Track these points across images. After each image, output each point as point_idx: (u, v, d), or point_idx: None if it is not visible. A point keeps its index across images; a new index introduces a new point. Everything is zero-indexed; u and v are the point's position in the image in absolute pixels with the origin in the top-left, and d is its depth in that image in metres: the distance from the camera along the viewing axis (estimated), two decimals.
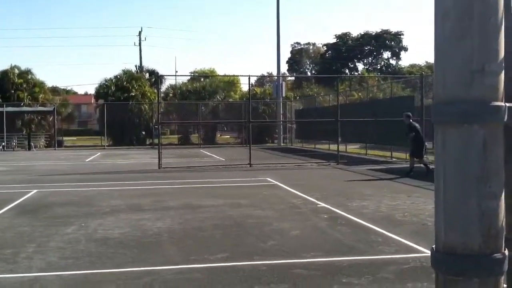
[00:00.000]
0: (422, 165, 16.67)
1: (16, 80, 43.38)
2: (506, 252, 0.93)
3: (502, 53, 0.95)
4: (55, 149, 38.68)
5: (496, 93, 0.93)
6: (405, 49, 79.35)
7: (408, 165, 17.05)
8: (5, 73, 43.50)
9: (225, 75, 56.14)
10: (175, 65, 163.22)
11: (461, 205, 0.94)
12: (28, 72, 45.10)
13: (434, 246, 0.96)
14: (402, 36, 78.76)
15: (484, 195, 0.92)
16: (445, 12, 0.95)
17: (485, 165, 0.92)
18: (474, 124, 0.92)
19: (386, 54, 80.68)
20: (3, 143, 38.15)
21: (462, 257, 0.92)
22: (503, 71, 0.95)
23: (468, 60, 0.92)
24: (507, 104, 0.95)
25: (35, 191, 13.37)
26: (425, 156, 16.81)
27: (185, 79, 58.34)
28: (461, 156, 0.93)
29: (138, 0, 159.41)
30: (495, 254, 0.92)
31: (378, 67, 79.79)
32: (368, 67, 79.63)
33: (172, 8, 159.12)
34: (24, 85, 43.79)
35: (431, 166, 15.46)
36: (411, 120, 16.65)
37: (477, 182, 0.92)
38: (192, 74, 65.61)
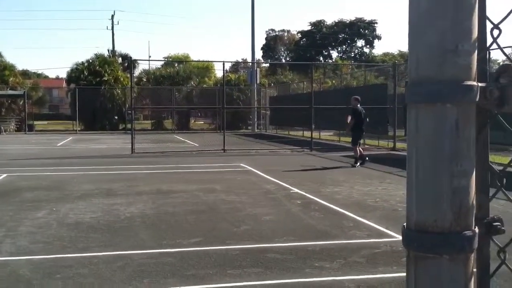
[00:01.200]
0: (353, 153, 16.09)
1: None
2: (476, 229, 0.95)
3: (475, 33, 0.95)
4: (25, 133, 38.06)
5: (469, 73, 0.94)
6: (379, 38, 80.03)
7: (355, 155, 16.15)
8: None
9: (199, 61, 55.86)
10: (148, 49, 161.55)
11: (433, 183, 0.95)
12: None
13: (405, 224, 0.97)
14: (375, 25, 79.37)
15: (456, 173, 0.93)
16: None
17: (457, 144, 0.93)
18: (447, 103, 0.93)
19: (360, 42, 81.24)
20: None
21: (433, 234, 0.93)
22: (476, 51, 0.96)
23: (441, 39, 0.93)
24: (479, 84, 0.96)
25: (4, 175, 13.14)
26: (359, 146, 16.13)
27: (158, 64, 57.86)
28: (433, 136, 0.94)
29: None
30: (466, 232, 0.93)
31: (352, 55, 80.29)
32: (342, 55, 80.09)
33: None
34: None
35: (357, 164, 15.39)
36: (358, 105, 15.99)
37: (449, 161, 0.93)
38: (166, 59, 65.03)
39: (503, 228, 1.04)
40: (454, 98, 0.89)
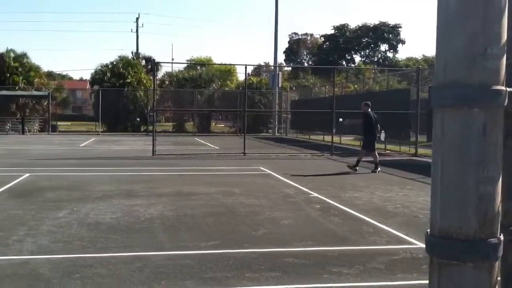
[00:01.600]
0: (372, 159, 15.58)
1: (12, 64, 43.09)
2: (502, 237, 0.92)
3: (504, 37, 0.93)
4: (49, 134, 38.55)
5: (497, 77, 0.92)
6: (403, 42, 79.43)
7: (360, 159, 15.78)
8: (0, 56, 43.20)
9: (221, 64, 56.01)
10: (171, 52, 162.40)
11: (458, 189, 0.92)
12: (23, 56, 44.80)
13: (428, 230, 0.94)
14: (400, 29, 78.79)
15: (482, 179, 0.91)
16: None
17: (484, 149, 0.91)
18: (474, 107, 0.90)
19: (384, 47, 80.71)
20: None
21: (458, 241, 0.91)
22: (505, 55, 0.94)
23: (471, 42, 0.90)
24: (508, 89, 0.93)
25: (27, 174, 13.31)
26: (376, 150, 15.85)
27: (181, 66, 58.28)
28: (460, 140, 0.92)
29: None
30: (491, 239, 0.91)
31: (375, 60, 79.81)
32: (365, 59, 79.64)
33: None
34: (20, 69, 43.50)
35: (378, 169, 15.08)
36: (369, 110, 15.71)
37: (475, 166, 0.91)
38: (189, 62, 65.39)
39: None
40: (482, 103, 0.87)
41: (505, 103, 0.92)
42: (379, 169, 15.18)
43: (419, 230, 7.57)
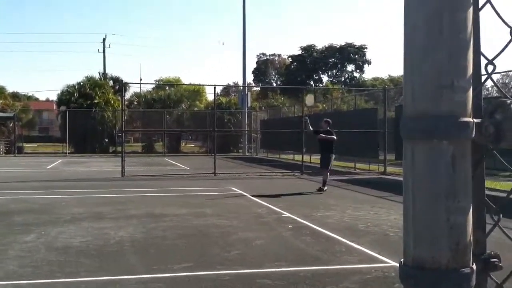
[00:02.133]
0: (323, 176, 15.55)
1: None
2: (474, 266, 0.94)
3: (470, 69, 0.96)
4: (15, 156, 37.79)
5: (464, 109, 0.95)
6: (369, 63, 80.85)
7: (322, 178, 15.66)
8: None
9: (190, 84, 55.96)
10: (139, 72, 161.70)
11: (430, 220, 0.94)
12: None
13: (402, 259, 0.96)
14: (365, 50, 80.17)
15: (453, 210, 0.93)
16: (414, 26, 0.96)
17: (454, 180, 0.93)
18: (443, 139, 0.93)
19: (350, 67, 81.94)
20: None
21: (431, 271, 0.93)
22: (471, 87, 0.97)
23: (437, 75, 0.93)
24: (475, 120, 0.96)
25: None
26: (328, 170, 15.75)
27: (149, 87, 57.97)
28: (430, 171, 0.94)
29: (102, 7, 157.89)
30: (463, 269, 0.93)
31: (342, 80, 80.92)
32: (333, 79, 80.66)
33: (137, 15, 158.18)
34: None
35: (325, 188, 15.05)
36: (328, 128, 15.74)
37: (445, 197, 0.93)
38: (157, 82, 65.14)
39: (500, 264, 1.04)
40: (450, 135, 0.89)
41: (473, 134, 0.95)
42: (325, 188, 15.18)
43: (390, 248, 7.64)
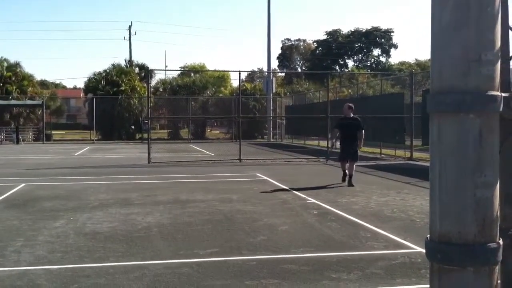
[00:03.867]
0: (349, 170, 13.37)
1: (5, 73, 43.09)
2: (501, 241, 0.93)
3: (498, 43, 0.95)
4: (43, 143, 38.45)
5: (492, 83, 0.93)
6: (395, 47, 79.80)
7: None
8: None
9: (215, 70, 56.09)
10: (165, 59, 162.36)
11: (456, 194, 0.93)
12: (17, 65, 44.83)
13: (428, 236, 0.95)
14: (392, 34, 79.18)
15: (479, 184, 0.92)
16: (442, 2, 0.94)
17: (481, 154, 0.92)
18: (470, 113, 0.92)
19: (376, 51, 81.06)
20: None
21: (457, 246, 0.92)
22: (499, 61, 0.95)
23: (465, 50, 0.92)
24: (503, 94, 0.95)
25: (23, 184, 13.28)
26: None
27: (175, 73, 58.18)
28: (456, 145, 0.93)
29: None
30: (490, 244, 0.92)
31: (368, 64, 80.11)
32: (358, 64, 79.94)
33: (162, 2, 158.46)
34: (13, 78, 43.51)
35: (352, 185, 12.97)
36: (351, 114, 13.68)
37: (472, 171, 0.92)
38: (182, 69, 65.43)
39: None
40: (477, 108, 0.88)
41: (501, 108, 0.94)
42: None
43: (417, 234, 7.59)
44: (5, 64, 43.96)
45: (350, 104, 14.05)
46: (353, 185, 12.91)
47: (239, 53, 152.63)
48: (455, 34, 0.93)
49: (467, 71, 0.92)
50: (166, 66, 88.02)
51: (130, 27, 63.45)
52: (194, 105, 44.27)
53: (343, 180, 13.33)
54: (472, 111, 0.92)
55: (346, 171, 13.34)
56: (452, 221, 0.94)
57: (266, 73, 45.57)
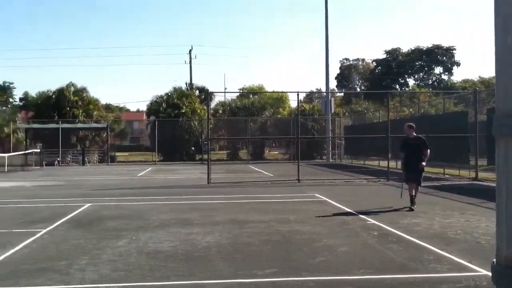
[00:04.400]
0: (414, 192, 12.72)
1: (72, 98, 44.91)
2: None
3: None
4: (108, 164, 39.63)
5: None
6: (458, 64, 77.87)
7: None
8: (61, 91, 45.11)
9: (273, 92, 56.33)
10: (224, 82, 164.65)
11: None
12: (83, 90, 46.64)
13: (494, 260, 0.93)
14: (454, 51, 77.39)
15: None
16: (505, 28, 0.93)
17: None
18: None
19: (438, 69, 79.36)
20: (59, 158, 39.38)
21: None
22: None
23: None
24: None
25: (88, 205, 13.71)
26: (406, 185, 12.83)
27: (234, 95, 58.78)
28: None
29: (188, 19, 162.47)
30: None
31: (430, 83, 78.49)
32: (419, 82, 78.44)
33: (221, 26, 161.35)
34: (79, 103, 45.29)
35: (414, 207, 12.31)
36: (414, 134, 12.99)
37: None
38: (241, 91, 66.13)
39: None
40: None
41: None
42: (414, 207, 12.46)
43: (482, 256, 7.31)
44: (72, 89, 45.83)
45: (411, 124, 13.38)
46: (413, 209, 12.22)
47: (298, 74, 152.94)
48: None
49: None
50: (225, 88, 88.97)
51: (190, 51, 64.88)
52: (253, 126, 44.61)
53: (413, 203, 12.41)
54: None
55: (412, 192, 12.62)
56: None
57: (325, 93, 45.41)
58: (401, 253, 7.71)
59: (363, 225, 10.20)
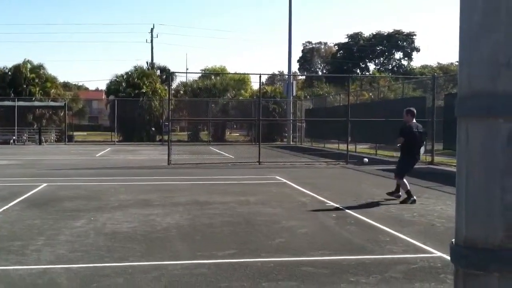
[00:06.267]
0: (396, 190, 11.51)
1: (29, 75, 43.67)
2: None
3: None
4: (65, 144, 38.89)
5: None
6: (417, 50, 78.97)
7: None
8: (17, 67, 43.80)
9: (235, 73, 56.17)
10: (186, 62, 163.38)
11: (483, 199, 0.92)
12: (40, 67, 45.38)
13: (453, 240, 0.94)
14: (414, 37, 78.40)
15: (508, 188, 0.90)
16: (471, 6, 0.93)
17: (510, 159, 0.91)
18: (499, 117, 0.90)
19: (398, 55, 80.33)
20: (14, 137, 38.42)
21: (483, 251, 0.90)
22: None
23: (494, 54, 0.91)
24: None
25: (44, 184, 13.44)
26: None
27: (196, 76, 58.32)
28: (485, 149, 0.92)
29: None
30: None
31: (390, 68, 79.51)
32: (380, 67, 79.38)
33: (184, 5, 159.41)
34: (36, 80, 44.08)
35: (414, 197, 10.95)
36: (414, 120, 11.64)
37: (500, 175, 0.91)
38: (203, 72, 65.67)
39: None
40: (507, 112, 0.87)
41: None
42: (411, 199, 10.97)
43: (437, 238, 7.51)
44: (29, 66, 44.56)
45: (411, 109, 11.86)
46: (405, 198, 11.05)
47: (260, 56, 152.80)
48: (484, 38, 0.91)
49: (497, 75, 0.91)
50: (187, 69, 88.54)
51: (152, 29, 63.90)
52: (214, 107, 44.43)
53: (411, 195, 10.99)
54: (501, 115, 0.90)
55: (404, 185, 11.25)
56: (479, 225, 0.92)
57: (287, 76, 45.52)
58: (358, 234, 7.85)
59: (321, 207, 10.33)
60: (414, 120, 11.63)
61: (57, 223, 8.47)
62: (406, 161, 11.57)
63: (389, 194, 11.61)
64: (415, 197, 10.98)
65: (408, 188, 11.08)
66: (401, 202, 10.97)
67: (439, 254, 6.59)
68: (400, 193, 11.36)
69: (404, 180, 11.29)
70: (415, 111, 11.80)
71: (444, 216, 9.39)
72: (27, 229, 8.05)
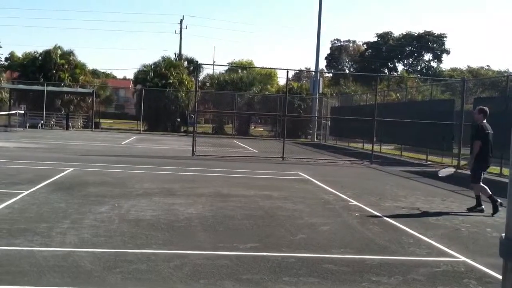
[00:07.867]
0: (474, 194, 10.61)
1: (58, 61, 44.28)
2: None
3: None
4: (92, 130, 39.36)
5: None
6: (447, 52, 77.79)
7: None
8: (48, 53, 44.43)
9: (262, 68, 56.12)
10: (213, 55, 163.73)
11: None
12: (70, 53, 45.96)
13: (503, 234, 0.92)
14: (445, 39, 77.25)
15: None
16: None
17: None
18: None
19: (428, 56, 79.23)
20: (42, 121, 39.00)
21: None
22: None
23: None
24: None
25: (71, 169, 13.62)
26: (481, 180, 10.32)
27: (223, 69, 58.50)
28: None
29: None
30: None
31: (418, 69, 78.50)
32: (408, 68, 78.48)
33: None
34: (66, 66, 44.67)
35: (499, 200, 10.00)
36: (484, 121, 10.43)
37: None
38: (230, 65, 65.74)
39: None
40: None
41: None
42: (483, 206, 10.18)
43: (461, 243, 7.42)
44: (59, 52, 45.15)
45: (484, 107, 10.68)
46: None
47: (288, 52, 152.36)
48: None
49: None
50: (214, 61, 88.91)
51: (181, 21, 64.33)
52: (240, 101, 44.47)
53: (498, 204, 9.98)
54: None
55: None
56: None
57: (314, 73, 45.30)
58: (381, 235, 7.79)
59: (345, 206, 10.27)
60: (485, 121, 10.45)
61: (82, 208, 8.58)
62: (478, 166, 10.34)
63: (470, 209, 10.33)
64: (500, 201, 9.96)
65: (490, 193, 10.06)
66: (476, 210, 10.12)
67: (463, 258, 6.51)
68: (483, 206, 10.19)
69: (482, 184, 10.23)
70: (488, 110, 10.56)
71: (469, 221, 9.26)
72: (52, 211, 8.17)
